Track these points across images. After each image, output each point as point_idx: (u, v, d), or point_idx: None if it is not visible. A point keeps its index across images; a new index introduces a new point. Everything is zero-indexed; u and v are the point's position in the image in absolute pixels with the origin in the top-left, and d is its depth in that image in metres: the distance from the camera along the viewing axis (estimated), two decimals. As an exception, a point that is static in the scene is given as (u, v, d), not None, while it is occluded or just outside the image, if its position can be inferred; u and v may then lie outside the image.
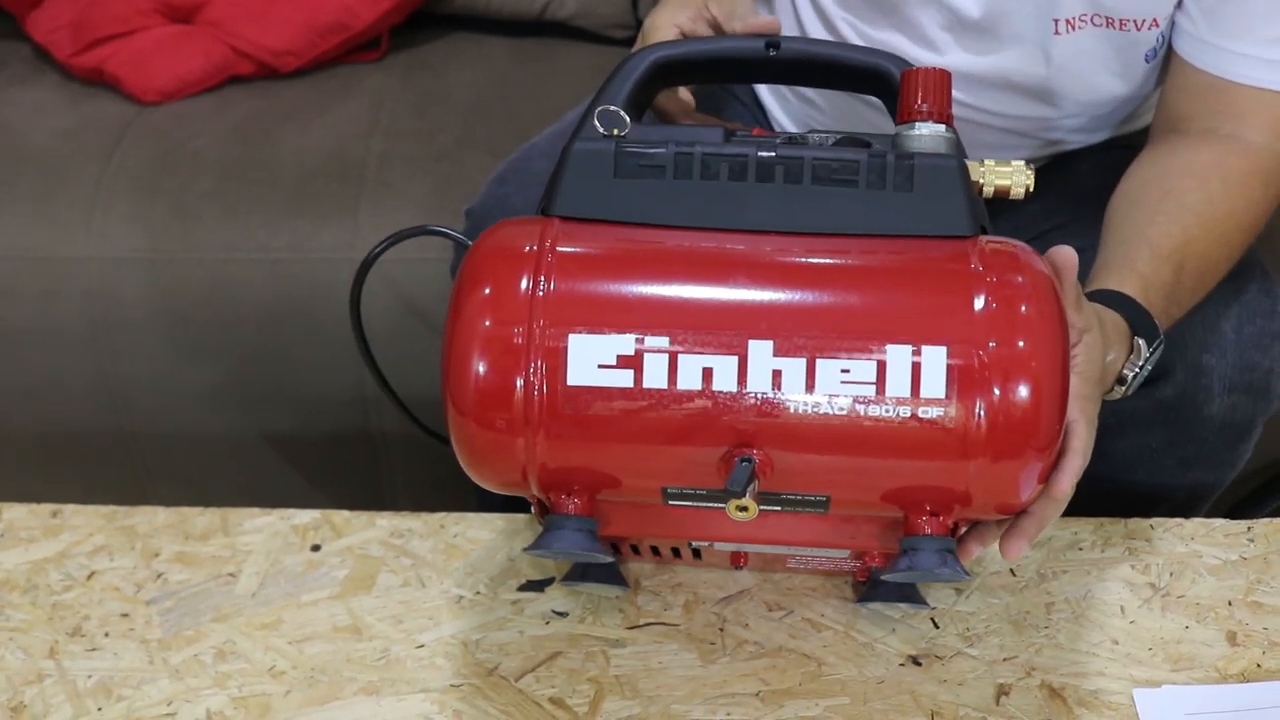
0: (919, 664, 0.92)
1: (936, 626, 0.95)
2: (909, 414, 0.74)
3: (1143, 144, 1.22)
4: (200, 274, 1.47)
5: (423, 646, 0.94)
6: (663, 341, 0.74)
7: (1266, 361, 1.08)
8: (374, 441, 1.52)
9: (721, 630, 0.95)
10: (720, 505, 0.77)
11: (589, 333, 0.74)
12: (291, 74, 1.69)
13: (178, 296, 1.47)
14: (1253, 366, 1.07)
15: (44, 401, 1.52)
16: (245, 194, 1.50)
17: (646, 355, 0.74)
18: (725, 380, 0.74)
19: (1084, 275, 0.89)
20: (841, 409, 0.74)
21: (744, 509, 0.74)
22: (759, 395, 0.74)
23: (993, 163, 0.84)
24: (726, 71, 1.02)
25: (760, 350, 0.74)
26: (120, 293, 1.47)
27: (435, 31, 1.81)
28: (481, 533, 1.03)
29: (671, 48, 0.94)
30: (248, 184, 1.51)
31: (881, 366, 0.73)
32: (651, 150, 0.79)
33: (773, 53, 0.94)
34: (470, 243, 0.90)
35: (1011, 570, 0.99)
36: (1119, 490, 1.05)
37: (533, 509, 0.88)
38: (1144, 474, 1.09)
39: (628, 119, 0.82)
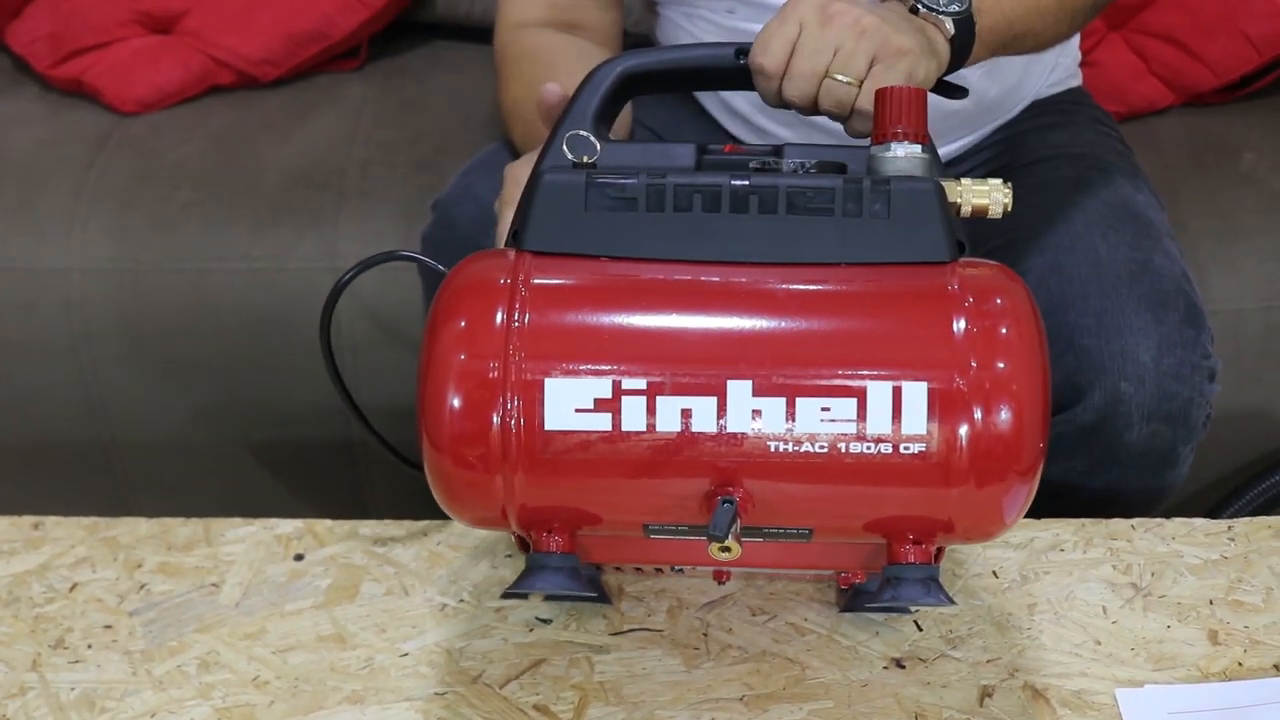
0: (902, 667, 0.92)
1: (919, 629, 0.95)
2: (890, 449, 0.73)
3: (1074, 102, 1.26)
4: (180, 284, 1.46)
5: (407, 655, 0.94)
6: (640, 383, 0.73)
7: (1186, 392, 1.09)
8: (356, 450, 1.52)
9: (705, 635, 0.95)
10: (703, 539, 0.77)
11: (565, 375, 0.73)
12: (271, 83, 1.69)
13: (158, 307, 1.46)
14: (1172, 396, 1.09)
15: (24, 413, 1.51)
16: (225, 204, 1.50)
17: (624, 398, 0.73)
18: (704, 421, 0.73)
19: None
20: (822, 447, 0.73)
21: (726, 549, 0.73)
22: (739, 435, 0.73)
23: (969, 182, 0.83)
24: (696, 80, 1.02)
25: (739, 390, 0.73)
26: (100, 303, 1.47)
27: (414, 40, 1.81)
28: (464, 540, 1.03)
29: (640, 56, 0.93)
30: (228, 194, 1.51)
31: (862, 402, 0.72)
32: (622, 181, 0.78)
33: (742, 60, 0.94)
34: (435, 265, 0.89)
35: (994, 572, 0.99)
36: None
37: (513, 540, 0.88)
38: (1074, 503, 1.11)
39: (597, 144, 0.81)
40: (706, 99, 1.34)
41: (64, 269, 1.47)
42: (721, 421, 0.73)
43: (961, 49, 0.99)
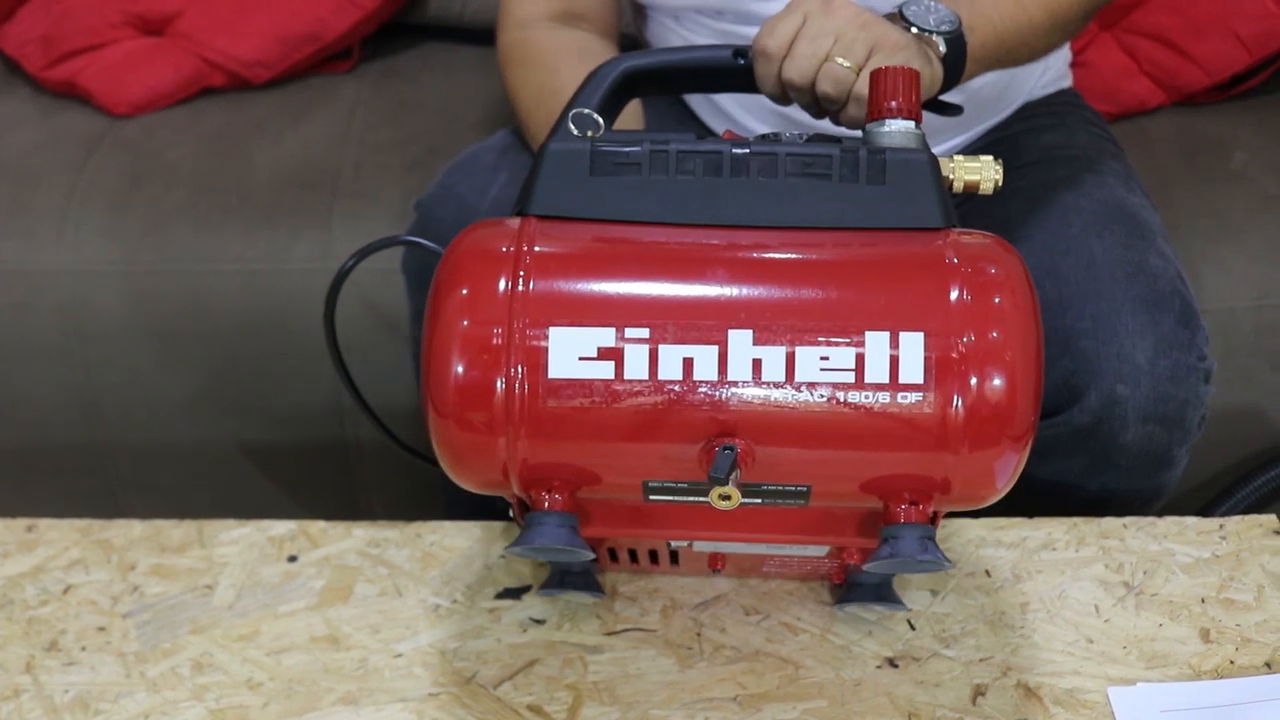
0: (896, 666, 0.92)
1: (913, 628, 0.95)
2: (888, 400, 0.74)
3: (1065, 104, 1.27)
4: (174, 286, 1.46)
5: (400, 656, 0.94)
6: (643, 333, 0.74)
7: (1182, 393, 1.10)
8: (350, 451, 1.52)
9: (699, 635, 0.95)
10: (701, 499, 0.78)
11: (569, 326, 0.75)
12: (264, 85, 1.69)
13: (152, 308, 1.46)
14: (1167, 398, 1.09)
15: (18, 415, 1.51)
16: (219, 205, 1.50)
17: (627, 347, 0.74)
18: (706, 370, 0.74)
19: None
20: (821, 397, 0.74)
21: (727, 497, 0.74)
22: (740, 384, 0.74)
23: (961, 158, 0.86)
24: (695, 80, 1.03)
25: (740, 339, 0.74)
26: (94, 305, 1.46)
27: (406, 41, 1.81)
28: (458, 541, 1.03)
29: (641, 57, 0.94)
30: (221, 195, 1.51)
31: (860, 354, 0.74)
32: (626, 148, 0.80)
33: (741, 61, 0.95)
34: (437, 248, 0.90)
35: (987, 571, 1.00)
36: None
37: (512, 510, 0.88)
38: (1069, 503, 1.11)
39: (601, 121, 0.82)
40: (696, 101, 1.35)
41: (57, 271, 1.47)
42: (723, 370, 0.74)
43: (955, 67, 1.00)
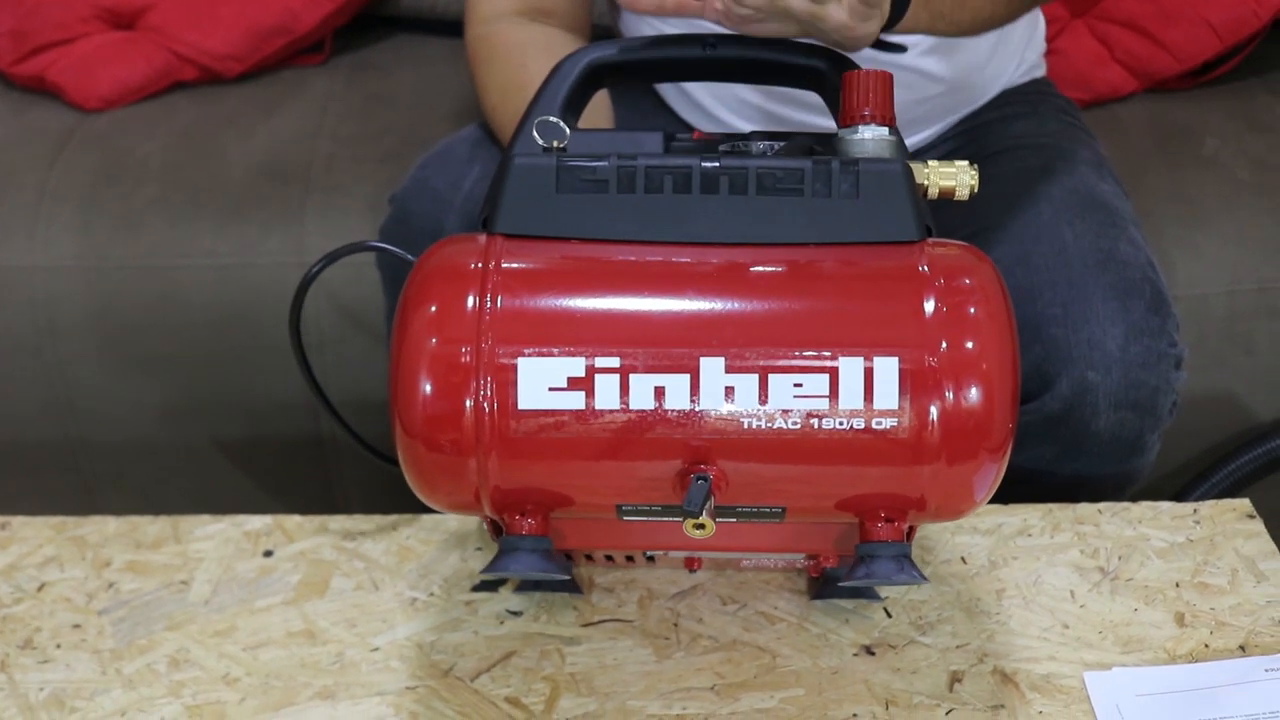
0: (872, 653, 0.92)
1: (889, 616, 0.95)
2: (863, 424, 0.73)
3: (1038, 93, 1.27)
4: (146, 281, 1.46)
5: (377, 649, 0.94)
6: (613, 361, 0.73)
7: (1153, 380, 1.10)
8: (324, 445, 1.51)
9: (676, 625, 0.95)
10: (676, 519, 0.77)
11: (539, 354, 0.74)
12: (235, 79, 1.69)
13: (124, 304, 1.46)
14: (1139, 384, 1.10)
15: (-9, 413, 1.50)
16: (191, 200, 1.49)
17: (598, 376, 0.73)
18: (678, 398, 0.73)
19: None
20: (795, 423, 0.73)
21: (701, 526, 0.74)
22: (712, 412, 0.73)
23: (936, 164, 0.84)
24: (663, 72, 1.02)
25: (712, 367, 0.73)
26: (66, 301, 1.46)
27: (379, 33, 1.81)
28: (434, 534, 1.03)
29: (607, 48, 0.94)
30: (193, 190, 1.50)
31: (834, 378, 0.73)
32: (594, 164, 0.78)
33: (709, 51, 0.95)
34: (403, 254, 0.89)
35: (962, 558, 1.00)
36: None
37: (485, 528, 0.88)
38: (1042, 490, 1.11)
39: (566, 130, 0.82)
40: (668, 92, 1.35)
41: (29, 267, 1.46)
42: (694, 398, 0.73)
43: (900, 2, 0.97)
